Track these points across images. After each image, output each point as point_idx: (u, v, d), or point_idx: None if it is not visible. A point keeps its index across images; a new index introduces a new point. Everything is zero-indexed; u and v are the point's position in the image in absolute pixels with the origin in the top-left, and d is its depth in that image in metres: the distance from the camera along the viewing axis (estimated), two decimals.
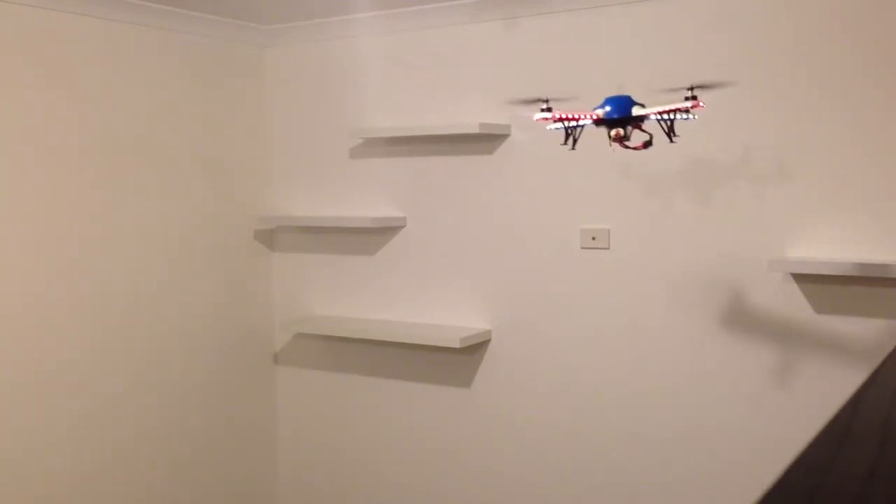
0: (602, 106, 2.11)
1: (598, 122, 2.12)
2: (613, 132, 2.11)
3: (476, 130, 3.20)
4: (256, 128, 3.78)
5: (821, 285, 2.78)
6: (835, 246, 2.74)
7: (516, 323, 3.31)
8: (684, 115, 2.12)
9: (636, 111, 2.10)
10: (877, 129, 2.68)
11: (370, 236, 3.60)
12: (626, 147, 2.13)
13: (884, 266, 2.61)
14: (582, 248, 3.15)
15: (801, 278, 2.80)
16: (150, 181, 3.36)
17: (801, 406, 2.80)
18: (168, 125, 3.43)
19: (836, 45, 2.72)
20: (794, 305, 2.81)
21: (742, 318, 2.89)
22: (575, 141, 2.22)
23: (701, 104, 2.07)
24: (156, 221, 3.39)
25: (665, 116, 2.13)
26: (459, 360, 3.43)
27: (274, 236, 3.86)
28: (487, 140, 3.30)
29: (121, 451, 3.28)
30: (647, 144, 2.14)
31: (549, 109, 2.18)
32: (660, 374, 3.04)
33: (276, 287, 3.87)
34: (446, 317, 3.45)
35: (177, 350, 3.47)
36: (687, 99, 2.07)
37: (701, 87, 2.08)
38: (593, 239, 3.13)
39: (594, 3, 3.06)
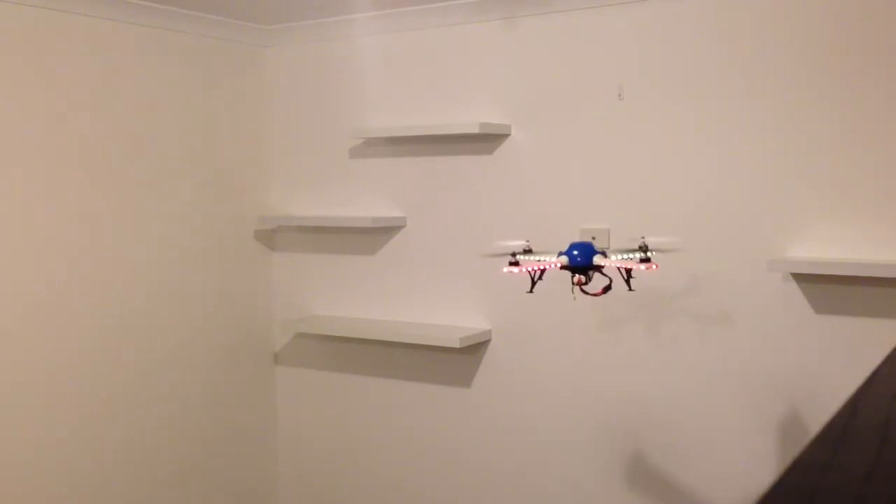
0: (568, 252, 2.27)
1: (562, 267, 2.29)
2: (576, 278, 2.25)
3: (476, 130, 3.20)
4: (256, 128, 3.78)
5: (821, 285, 2.78)
6: (835, 246, 2.74)
7: (516, 323, 3.31)
8: (643, 266, 2.27)
9: (597, 260, 2.25)
10: (877, 129, 2.68)
11: (370, 236, 3.60)
12: (586, 293, 2.29)
13: (884, 266, 2.61)
14: None
15: (801, 278, 2.80)
16: (149, 181, 3.36)
17: (801, 406, 2.80)
18: (168, 125, 3.43)
19: (836, 44, 2.72)
20: (794, 305, 2.81)
21: (742, 318, 2.89)
22: (534, 283, 2.40)
23: (654, 266, 2.22)
24: (155, 221, 3.39)
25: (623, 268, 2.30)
26: (459, 360, 3.43)
27: (274, 236, 3.86)
28: (487, 140, 3.30)
29: (120, 451, 3.28)
30: (607, 289, 2.29)
31: (516, 263, 2.34)
32: (659, 373, 3.04)
33: (276, 287, 3.87)
34: (446, 317, 3.45)
35: (176, 350, 3.47)
36: (642, 261, 2.24)
37: (655, 249, 2.27)
38: (593, 239, 3.12)
39: (594, 3, 3.06)
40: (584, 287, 2.26)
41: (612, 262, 2.25)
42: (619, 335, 3.11)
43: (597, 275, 2.29)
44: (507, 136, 3.27)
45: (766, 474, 2.88)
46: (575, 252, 2.26)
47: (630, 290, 2.31)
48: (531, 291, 2.38)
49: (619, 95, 3.04)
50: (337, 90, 3.64)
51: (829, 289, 2.76)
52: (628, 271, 2.28)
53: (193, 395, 3.55)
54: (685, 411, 3.01)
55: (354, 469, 3.72)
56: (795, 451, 0.72)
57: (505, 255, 2.37)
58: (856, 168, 2.71)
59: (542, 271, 2.35)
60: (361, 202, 3.61)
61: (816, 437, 0.75)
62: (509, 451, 3.35)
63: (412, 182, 3.50)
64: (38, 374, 3.03)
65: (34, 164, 3.00)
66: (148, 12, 3.28)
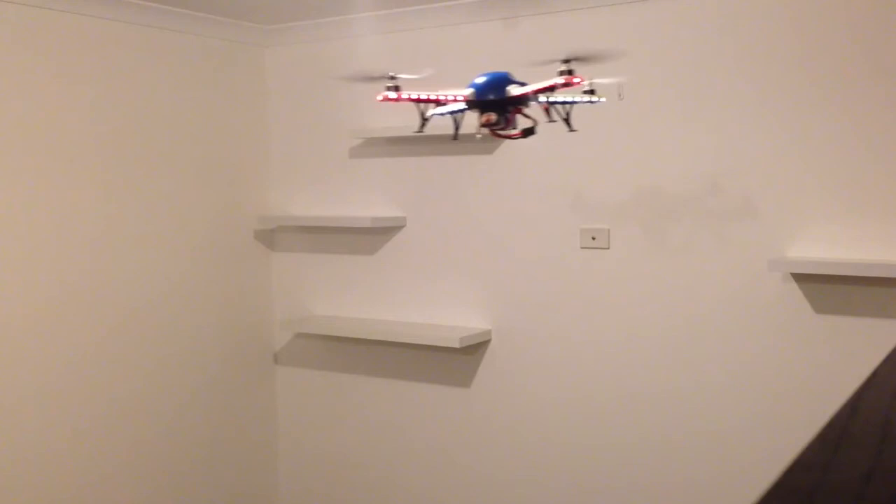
0: (472, 84, 1.76)
1: (468, 104, 1.77)
2: (483, 117, 1.76)
3: (476, 130, 3.19)
4: (256, 128, 3.78)
5: (821, 285, 2.78)
6: (835, 246, 2.74)
7: (516, 323, 3.31)
8: (587, 99, 1.78)
9: (512, 91, 1.75)
10: (877, 129, 2.68)
11: (370, 236, 3.60)
12: (499, 136, 1.80)
13: (884, 266, 2.61)
14: (582, 248, 3.15)
15: (801, 278, 2.80)
16: (150, 181, 3.36)
17: (801, 406, 2.80)
18: (168, 125, 3.42)
19: (837, 43, 2.72)
20: (794, 305, 2.81)
21: (742, 318, 2.89)
22: (457, 130, 1.82)
23: (576, 80, 1.73)
24: (156, 222, 3.39)
25: (557, 99, 1.76)
26: (459, 360, 3.43)
27: (274, 236, 3.86)
28: (487, 140, 3.29)
29: (121, 451, 3.28)
30: (528, 133, 1.80)
31: (395, 88, 1.82)
32: (659, 373, 3.04)
33: (276, 287, 3.87)
34: (446, 317, 3.45)
35: (177, 350, 3.47)
36: (561, 73, 1.73)
37: (578, 58, 1.73)
38: (593, 239, 3.13)
39: (594, 3, 3.06)
40: (496, 129, 1.76)
41: (529, 90, 1.75)
42: (618, 335, 3.11)
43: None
44: None
45: (766, 474, 2.88)
46: (481, 81, 1.72)
47: (571, 130, 1.80)
48: (420, 131, 1.89)
49: (619, 95, 3.04)
50: (337, 90, 3.64)
51: (829, 289, 2.76)
52: (567, 110, 1.77)
53: (193, 395, 3.55)
54: (685, 411, 3.01)
55: (354, 469, 3.72)
56: (795, 451, 0.72)
57: (381, 78, 1.83)
58: (856, 168, 2.71)
59: (436, 103, 1.78)
60: (361, 202, 3.61)
61: (816, 437, 0.75)
62: (509, 451, 3.35)
63: (412, 182, 3.50)
64: (39, 374, 3.02)
65: (34, 164, 3.00)
66: (148, 12, 3.28)
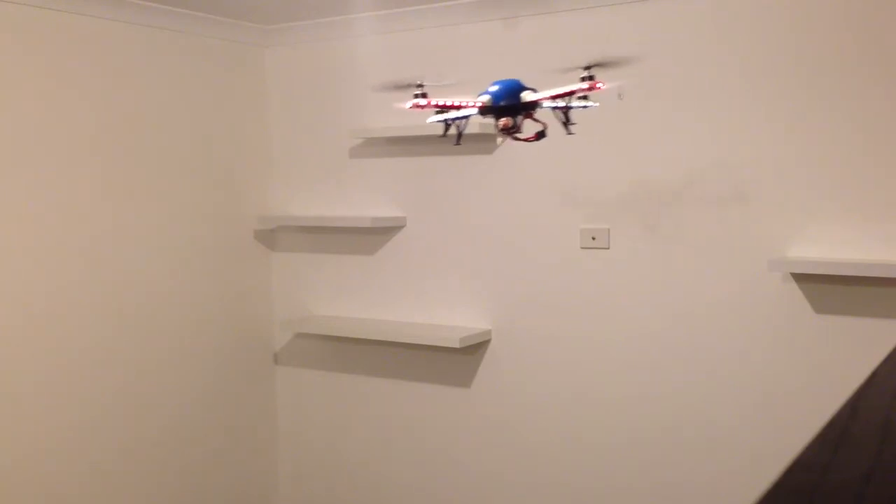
0: (487, 91, 1.86)
1: (483, 110, 1.86)
2: (501, 122, 1.83)
3: (476, 130, 3.19)
4: (256, 128, 3.78)
5: (821, 285, 2.78)
6: (835, 246, 2.74)
7: (516, 323, 3.31)
8: (582, 104, 1.88)
9: (526, 97, 1.84)
10: (878, 129, 2.68)
11: (370, 236, 3.60)
12: (517, 139, 1.88)
13: (884, 266, 2.61)
14: (582, 248, 3.15)
15: (801, 278, 2.80)
16: (150, 181, 3.36)
17: (801, 406, 2.80)
18: (168, 125, 3.42)
19: (836, 43, 2.72)
20: (794, 305, 2.81)
21: (742, 318, 2.89)
22: (459, 135, 1.95)
23: (599, 85, 1.81)
24: (156, 222, 3.38)
25: (560, 103, 1.86)
26: (459, 360, 3.43)
27: (274, 236, 3.86)
28: (487, 140, 3.30)
29: (121, 451, 3.28)
30: (540, 136, 1.89)
31: (423, 95, 1.91)
32: (659, 373, 3.04)
33: (276, 287, 3.87)
34: (446, 317, 3.45)
35: (177, 350, 3.47)
36: (583, 80, 1.81)
37: (599, 64, 1.81)
38: (593, 239, 3.13)
39: (594, 3, 3.06)
40: (513, 133, 1.85)
41: (544, 95, 1.83)
42: (618, 335, 3.11)
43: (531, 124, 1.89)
44: None
45: (766, 474, 2.88)
46: (496, 88, 1.82)
47: (569, 132, 1.91)
48: (444, 136, 1.98)
49: (619, 96, 3.04)
50: (337, 90, 3.64)
51: (829, 289, 2.76)
52: (566, 112, 1.88)
53: (194, 395, 3.55)
54: (685, 411, 3.01)
55: (354, 469, 3.72)
56: (795, 451, 0.72)
57: (406, 86, 1.91)
58: (856, 168, 2.71)
59: (460, 117, 1.90)
60: (361, 202, 3.61)
61: (816, 437, 0.75)
62: (509, 452, 3.35)
63: (412, 182, 3.50)
64: (39, 373, 3.02)
65: (34, 164, 3.00)
66: (148, 12, 3.28)
